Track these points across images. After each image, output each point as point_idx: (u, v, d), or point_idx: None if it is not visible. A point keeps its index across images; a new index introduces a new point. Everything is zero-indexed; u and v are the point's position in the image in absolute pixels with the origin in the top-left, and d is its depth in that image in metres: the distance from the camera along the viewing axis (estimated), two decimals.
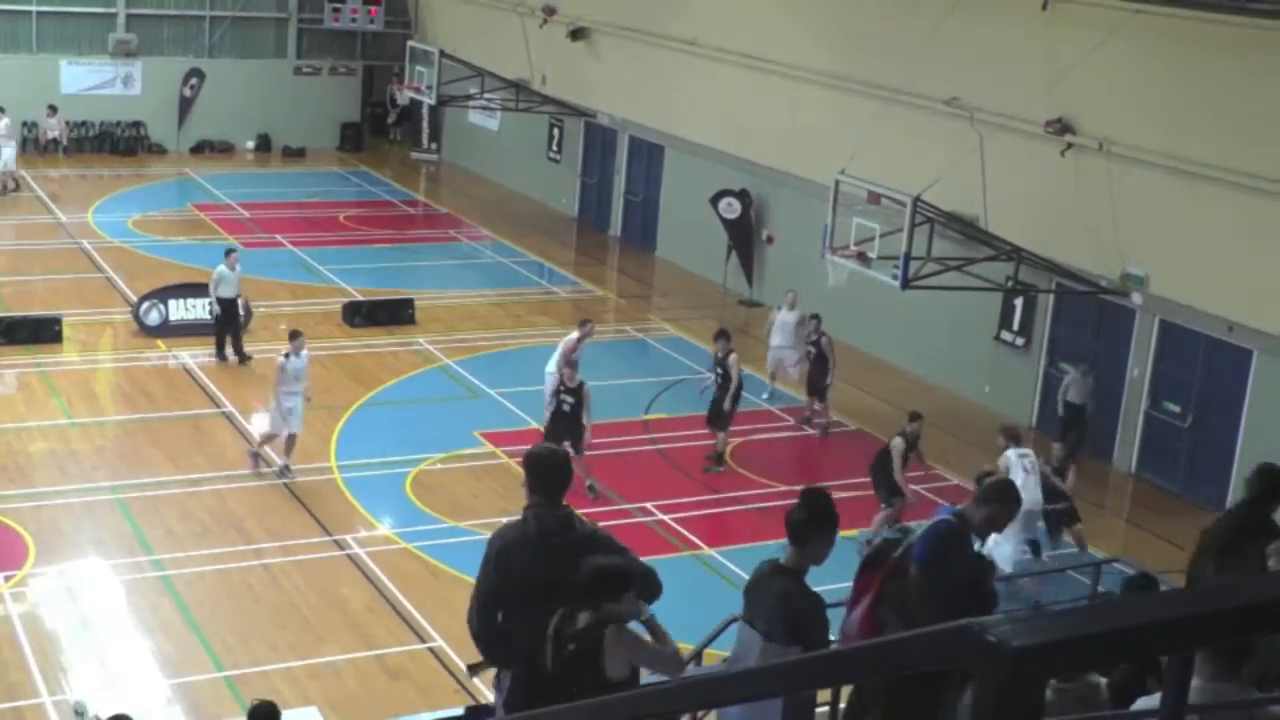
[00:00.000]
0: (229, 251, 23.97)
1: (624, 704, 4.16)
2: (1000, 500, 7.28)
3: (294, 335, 19.70)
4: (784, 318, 22.98)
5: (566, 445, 18.63)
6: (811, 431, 22.03)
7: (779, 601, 6.46)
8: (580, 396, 18.86)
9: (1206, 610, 2.85)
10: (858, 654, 3.69)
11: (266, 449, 19.49)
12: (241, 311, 24.02)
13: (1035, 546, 17.37)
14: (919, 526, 7.30)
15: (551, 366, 19.82)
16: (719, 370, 20.28)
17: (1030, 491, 15.94)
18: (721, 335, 20.51)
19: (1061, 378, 22.61)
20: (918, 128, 23.90)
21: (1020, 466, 16.54)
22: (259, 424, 20.38)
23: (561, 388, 19.01)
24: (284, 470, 19.09)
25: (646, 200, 32.60)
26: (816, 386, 21.95)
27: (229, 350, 23.29)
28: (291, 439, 19.14)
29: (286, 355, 19.23)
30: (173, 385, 22.42)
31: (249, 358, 23.24)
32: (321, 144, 40.68)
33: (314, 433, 20.86)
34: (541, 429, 19.29)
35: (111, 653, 14.84)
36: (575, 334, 20.65)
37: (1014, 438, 17.53)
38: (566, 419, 18.83)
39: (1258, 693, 5.24)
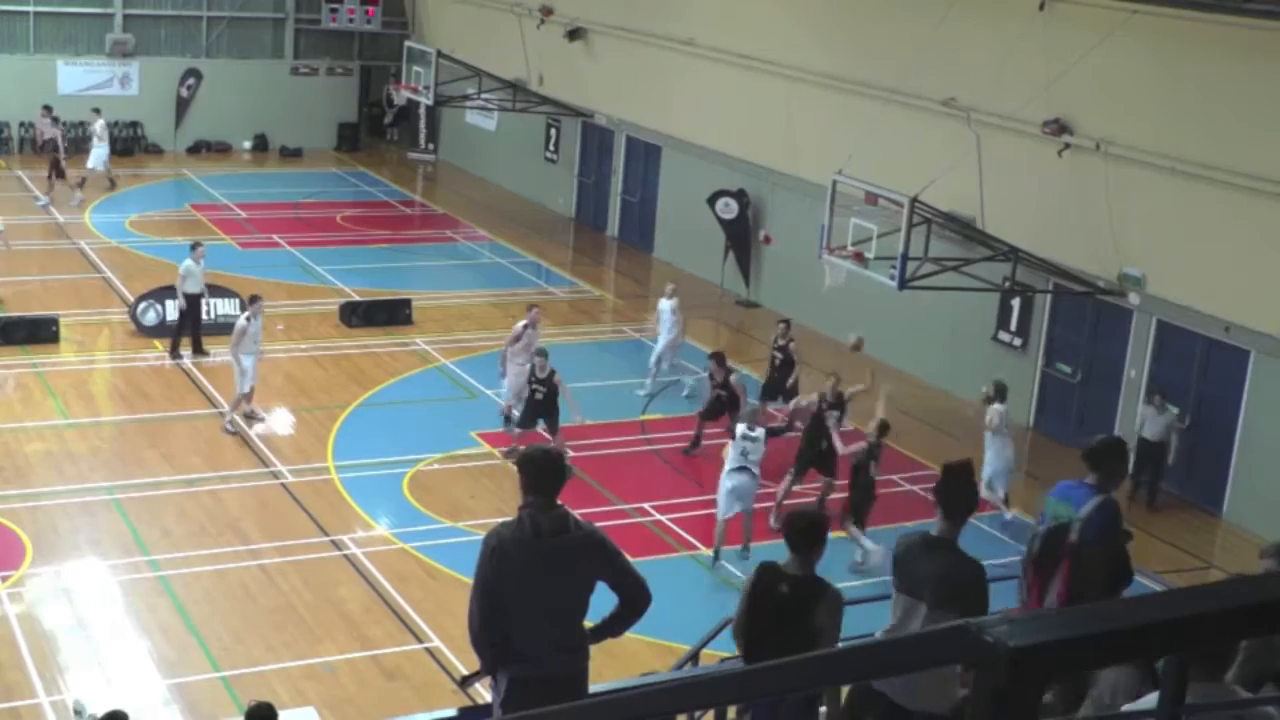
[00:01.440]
0: (195, 245, 23.92)
1: (624, 704, 4.16)
2: (1113, 458, 7.69)
3: (254, 299, 21.08)
4: (661, 306, 23.25)
5: (542, 428, 19.32)
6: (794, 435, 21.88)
7: (945, 573, 6.69)
8: (552, 385, 19.34)
9: (1204, 611, 2.85)
10: (858, 654, 3.69)
11: (244, 407, 20.81)
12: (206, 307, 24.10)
13: None
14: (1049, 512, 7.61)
15: (500, 366, 20.61)
16: (723, 393, 20.22)
17: (743, 483, 16.56)
18: (717, 357, 20.62)
19: (1062, 375, 22.63)
20: (915, 128, 23.92)
21: (739, 448, 16.68)
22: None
23: (533, 378, 19.43)
24: (248, 415, 20.80)
25: (644, 200, 32.60)
26: (779, 389, 21.62)
27: (185, 350, 23.29)
28: (251, 392, 20.74)
29: (247, 318, 20.61)
30: (169, 386, 22.39)
31: (206, 354, 23.22)
32: (319, 144, 40.66)
33: (311, 433, 20.88)
34: (516, 426, 19.79)
35: (108, 653, 14.82)
36: (522, 322, 20.72)
37: (1002, 393, 18.77)
38: (540, 405, 19.42)
39: (1243, 693, 5.26)
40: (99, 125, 34.16)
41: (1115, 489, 7.60)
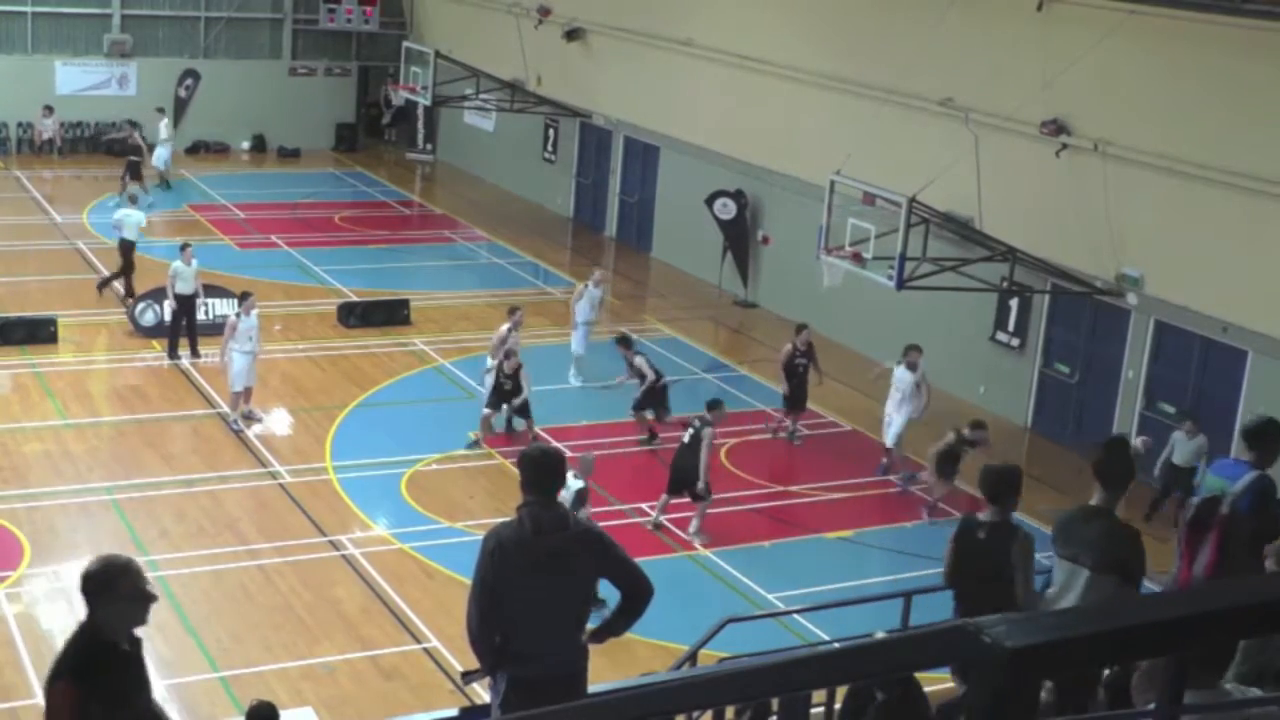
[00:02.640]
0: (183, 247, 23.88)
1: (624, 704, 4.16)
2: (1271, 437, 8.19)
3: (244, 296, 21.22)
4: (591, 293, 23.74)
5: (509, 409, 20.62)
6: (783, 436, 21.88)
7: (1106, 538, 7.23)
8: (518, 381, 20.43)
9: (1202, 611, 2.85)
10: (857, 654, 3.69)
11: (243, 406, 20.89)
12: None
13: None
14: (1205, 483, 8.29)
15: (489, 362, 20.89)
16: (638, 372, 21.40)
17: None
18: (623, 341, 21.95)
19: (1060, 375, 22.62)
20: (913, 128, 23.92)
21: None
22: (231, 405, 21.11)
23: (501, 375, 20.48)
24: (249, 415, 20.93)
25: (642, 201, 32.59)
26: (798, 400, 21.68)
27: (183, 350, 23.27)
28: (248, 392, 20.86)
29: (238, 314, 20.81)
30: (167, 386, 22.39)
31: (199, 356, 23.22)
32: (316, 145, 40.65)
33: (309, 434, 20.88)
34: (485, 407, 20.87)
35: None
36: (505, 325, 20.90)
37: (914, 364, 20.05)
38: (507, 395, 20.55)
39: (1238, 694, 5.27)
40: (163, 125, 34.83)
41: (1271, 466, 8.02)
